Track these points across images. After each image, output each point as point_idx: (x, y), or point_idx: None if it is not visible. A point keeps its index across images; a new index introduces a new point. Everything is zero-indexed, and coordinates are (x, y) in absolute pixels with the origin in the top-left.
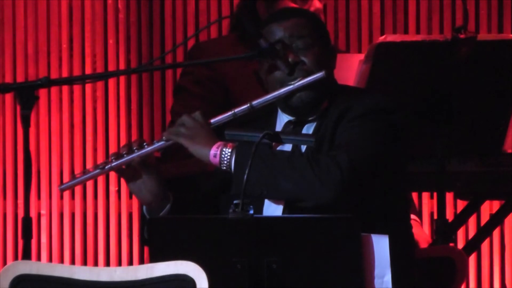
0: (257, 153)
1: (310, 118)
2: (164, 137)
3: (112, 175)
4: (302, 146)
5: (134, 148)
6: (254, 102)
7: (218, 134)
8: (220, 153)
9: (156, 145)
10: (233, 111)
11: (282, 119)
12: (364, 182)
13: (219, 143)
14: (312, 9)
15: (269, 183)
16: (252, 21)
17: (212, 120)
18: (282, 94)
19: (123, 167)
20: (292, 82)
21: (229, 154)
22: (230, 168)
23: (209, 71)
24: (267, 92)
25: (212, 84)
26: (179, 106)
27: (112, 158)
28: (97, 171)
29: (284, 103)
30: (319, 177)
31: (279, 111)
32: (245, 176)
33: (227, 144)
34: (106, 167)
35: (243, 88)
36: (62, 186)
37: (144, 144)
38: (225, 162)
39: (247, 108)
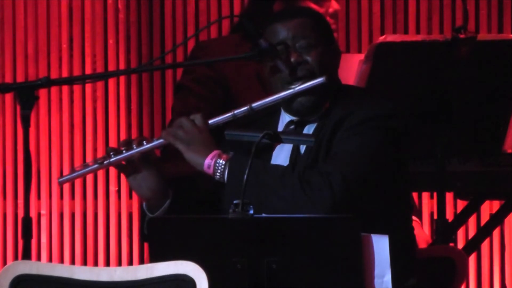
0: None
1: (311, 119)
2: (161, 138)
3: (112, 175)
4: (302, 146)
5: (134, 144)
6: (254, 105)
7: (219, 133)
8: (214, 165)
9: (155, 142)
10: (232, 112)
11: (285, 118)
12: (358, 199)
13: (214, 152)
14: (330, 10)
15: (260, 200)
16: (252, 21)
17: (210, 121)
18: (282, 98)
19: (123, 162)
20: (293, 86)
21: (222, 166)
22: (223, 180)
23: (210, 71)
24: (267, 94)
25: (213, 83)
26: (179, 105)
27: (112, 153)
28: (96, 165)
29: (286, 105)
30: (310, 198)
31: (282, 110)
32: (244, 185)
33: (222, 155)
34: (105, 162)
35: (243, 89)
36: (61, 179)
37: (144, 141)
38: (218, 173)
39: (247, 110)
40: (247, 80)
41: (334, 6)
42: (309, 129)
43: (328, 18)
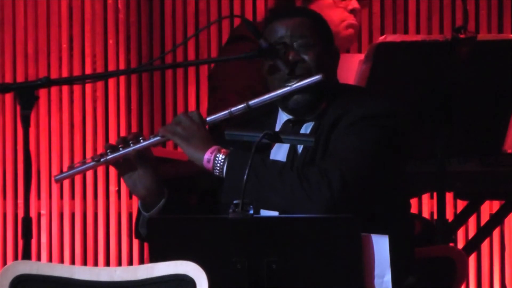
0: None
1: (308, 118)
2: (160, 134)
3: (112, 176)
4: (299, 146)
5: (130, 142)
6: (251, 102)
7: (218, 133)
8: (214, 159)
9: (152, 140)
10: (229, 110)
11: (282, 117)
12: (356, 197)
13: (213, 147)
14: (349, 7)
15: (259, 196)
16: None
17: (208, 118)
18: (278, 95)
19: (120, 160)
20: (290, 84)
21: (222, 160)
22: (222, 175)
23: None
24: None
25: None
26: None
27: (108, 150)
28: (93, 163)
29: (282, 103)
30: (308, 195)
31: (280, 109)
32: (244, 184)
33: (221, 149)
34: (102, 160)
35: None
36: (58, 177)
37: (140, 138)
38: (218, 168)
39: (244, 107)
40: None
41: (354, 4)
42: (306, 128)
43: (347, 14)
